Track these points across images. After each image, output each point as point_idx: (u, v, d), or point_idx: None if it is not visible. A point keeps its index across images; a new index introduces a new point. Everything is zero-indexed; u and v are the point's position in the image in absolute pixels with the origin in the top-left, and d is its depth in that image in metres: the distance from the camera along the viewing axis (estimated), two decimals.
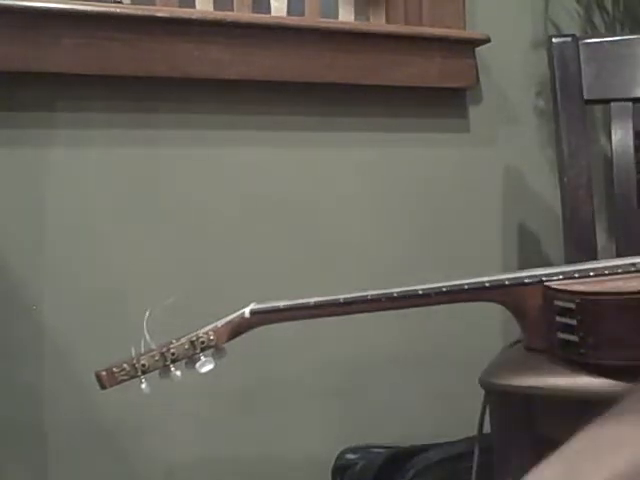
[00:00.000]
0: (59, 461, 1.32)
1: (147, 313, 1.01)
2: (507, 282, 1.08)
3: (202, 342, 1.05)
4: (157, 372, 1.04)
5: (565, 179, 1.41)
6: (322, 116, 1.51)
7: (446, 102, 1.64)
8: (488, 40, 1.61)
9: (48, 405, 1.31)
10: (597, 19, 1.79)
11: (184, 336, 1.05)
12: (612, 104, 1.42)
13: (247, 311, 1.07)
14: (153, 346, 1.03)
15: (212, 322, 1.06)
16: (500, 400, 1.10)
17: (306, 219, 1.50)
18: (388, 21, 1.65)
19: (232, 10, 1.48)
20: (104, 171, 1.35)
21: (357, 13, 1.63)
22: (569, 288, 1.04)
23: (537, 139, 1.73)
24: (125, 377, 1.02)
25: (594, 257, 1.37)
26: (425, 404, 1.56)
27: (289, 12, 1.54)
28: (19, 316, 1.29)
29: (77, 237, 1.32)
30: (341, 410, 1.52)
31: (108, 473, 1.35)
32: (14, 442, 1.28)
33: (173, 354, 1.04)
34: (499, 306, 1.12)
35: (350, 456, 1.43)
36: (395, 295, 1.07)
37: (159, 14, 1.33)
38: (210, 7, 1.48)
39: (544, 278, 1.07)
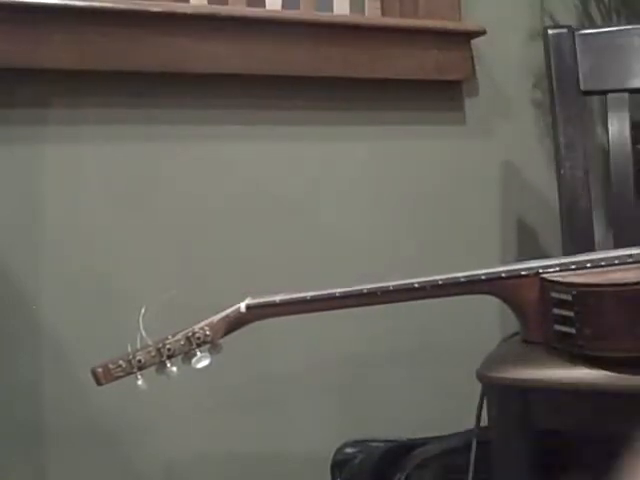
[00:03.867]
0: (58, 460, 1.31)
1: (143, 309, 1.01)
2: (503, 274, 1.08)
3: (198, 337, 1.04)
4: (153, 368, 1.04)
5: (562, 171, 1.40)
6: (317, 109, 1.51)
7: (442, 94, 1.63)
8: (484, 32, 1.60)
9: (47, 404, 1.30)
10: (593, 10, 1.78)
11: (180, 332, 1.05)
12: (608, 95, 1.42)
13: (243, 306, 1.07)
14: (149, 342, 1.03)
15: (208, 317, 1.06)
16: (498, 393, 1.10)
17: (303, 212, 1.49)
18: (383, 14, 1.64)
19: (226, 4, 1.48)
20: (100, 167, 1.34)
21: (352, 6, 1.62)
22: (566, 280, 1.04)
23: (533, 131, 1.73)
24: (121, 373, 1.02)
25: (591, 249, 1.37)
26: (423, 398, 1.56)
27: (284, 5, 1.53)
28: (18, 316, 1.28)
29: (74, 234, 1.32)
30: (340, 405, 1.52)
31: (107, 471, 1.34)
32: (13, 441, 1.28)
33: (169, 350, 1.04)
34: (496, 299, 1.12)
35: (349, 450, 1.43)
36: (391, 288, 1.07)
37: (153, 9, 1.32)
38: (204, 1, 1.47)
39: (540, 270, 1.07)
